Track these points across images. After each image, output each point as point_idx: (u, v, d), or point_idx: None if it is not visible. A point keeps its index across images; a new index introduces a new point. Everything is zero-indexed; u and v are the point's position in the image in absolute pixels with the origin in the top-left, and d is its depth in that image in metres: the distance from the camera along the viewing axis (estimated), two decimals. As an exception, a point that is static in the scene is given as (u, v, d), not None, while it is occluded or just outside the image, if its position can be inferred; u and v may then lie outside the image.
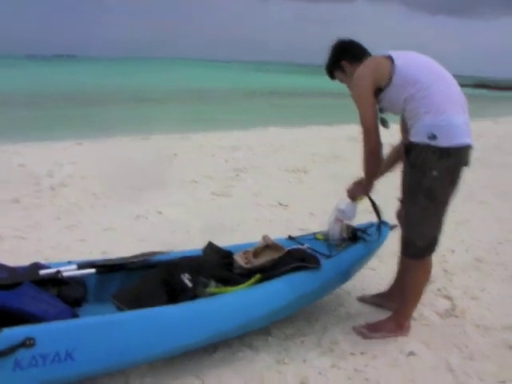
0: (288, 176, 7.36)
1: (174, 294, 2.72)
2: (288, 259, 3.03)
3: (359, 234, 3.46)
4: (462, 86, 2.99)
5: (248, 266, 3.02)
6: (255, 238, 4.56)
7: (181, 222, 5.08)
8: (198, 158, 8.37)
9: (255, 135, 11.13)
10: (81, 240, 4.43)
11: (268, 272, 2.92)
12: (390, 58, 2.89)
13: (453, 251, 4.48)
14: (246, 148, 9.21)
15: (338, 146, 9.93)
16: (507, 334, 3.16)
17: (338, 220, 3.41)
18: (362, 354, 2.90)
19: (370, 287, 3.73)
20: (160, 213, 5.29)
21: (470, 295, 3.68)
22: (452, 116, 2.75)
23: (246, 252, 3.16)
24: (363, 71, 2.94)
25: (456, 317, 3.37)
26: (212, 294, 2.69)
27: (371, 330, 3.08)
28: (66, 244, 4.30)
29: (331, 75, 3.24)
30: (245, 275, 2.95)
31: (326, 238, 3.48)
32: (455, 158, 2.77)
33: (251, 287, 2.79)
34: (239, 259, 3.08)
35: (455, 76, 2.95)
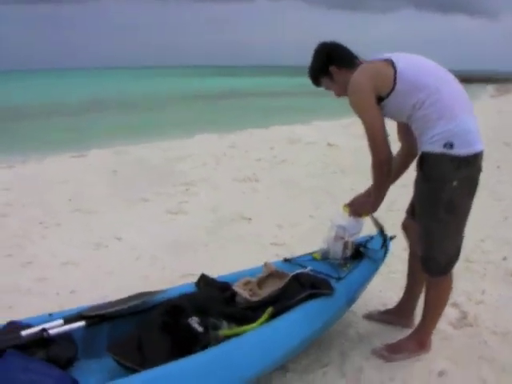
0: (240, 186, 7.06)
1: (181, 340, 2.38)
2: (296, 286, 2.76)
3: (362, 250, 3.21)
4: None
5: (255, 298, 2.72)
6: (231, 258, 4.34)
7: (143, 246, 4.71)
8: (140, 173, 7.92)
9: (197, 143, 10.73)
10: (41, 279, 3.97)
11: (279, 303, 2.63)
12: (390, 62, 2.65)
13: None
14: (190, 159, 8.82)
15: (280, 150, 9.75)
16: None
17: (339, 237, 3.13)
18: (391, 380, 2.69)
19: (372, 303, 3.51)
20: (119, 239, 4.89)
21: (474, 300, 3.55)
22: (465, 120, 2.55)
23: (247, 283, 2.86)
24: (361, 78, 2.68)
25: (471, 326, 3.22)
26: (226, 337, 2.38)
27: (392, 352, 2.86)
28: (27, 286, 3.83)
29: (317, 82, 2.95)
30: (253, 309, 2.66)
31: (324, 258, 3.20)
32: (473, 167, 2.57)
33: (267, 324, 2.49)
34: (242, 291, 2.77)
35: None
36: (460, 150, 2.49)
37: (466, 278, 3.88)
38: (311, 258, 3.26)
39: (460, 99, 2.62)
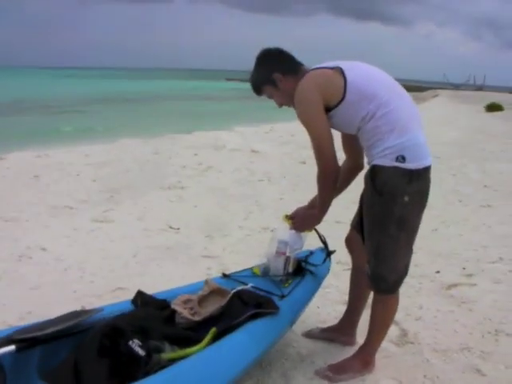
0: (166, 194, 6.93)
1: (122, 365, 2.26)
2: (239, 304, 2.70)
3: (303, 265, 3.17)
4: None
5: (196, 318, 2.63)
6: (162, 270, 4.24)
7: (70, 258, 4.50)
8: (62, 179, 7.64)
9: (120, 148, 10.48)
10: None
11: (222, 323, 2.56)
12: (340, 71, 2.55)
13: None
14: (113, 164, 8.60)
15: (204, 156, 9.67)
16: (466, 356, 3.10)
17: (280, 253, 3.04)
18: (335, 402, 2.66)
19: (310, 320, 3.48)
20: (44, 249, 4.65)
21: (412, 316, 3.58)
22: (416, 134, 2.52)
23: (187, 301, 2.76)
24: (309, 86, 2.57)
25: (412, 343, 3.23)
26: (170, 361, 2.28)
27: (337, 372, 2.82)
28: None
29: (258, 90, 2.82)
30: (195, 329, 2.58)
31: (265, 273, 3.12)
32: (424, 180, 2.54)
33: (211, 345, 2.40)
34: (182, 310, 2.67)
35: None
36: (411, 164, 2.46)
37: (402, 292, 3.86)
38: (251, 273, 3.17)
39: (410, 112, 2.58)
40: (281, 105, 2.83)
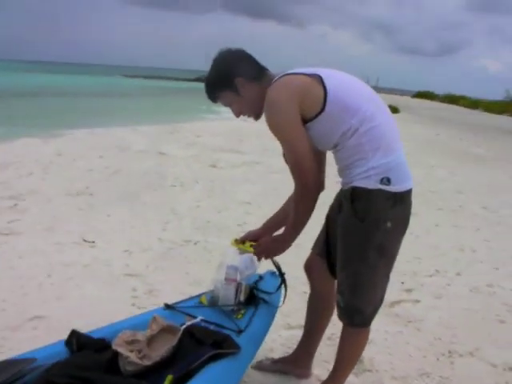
0: (75, 201, 6.42)
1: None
2: (192, 343, 2.41)
3: (255, 293, 2.88)
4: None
5: (146, 362, 2.30)
6: (82, 293, 3.83)
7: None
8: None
9: (20, 149, 9.72)
10: None
11: (177, 368, 2.25)
12: (318, 79, 2.25)
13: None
14: (14, 167, 7.91)
15: (110, 159, 9.16)
16: (426, 383, 3.05)
17: (230, 280, 2.73)
18: None
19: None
20: None
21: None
22: (400, 153, 2.30)
23: (131, 341, 2.41)
24: (284, 95, 2.24)
25: (369, 371, 3.10)
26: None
27: None
28: None
29: (214, 96, 2.48)
30: (144, 375, 2.25)
31: (213, 303, 2.80)
32: (406, 204, 2.33)
33: (171, 397, 2.09)
34: (128, 354, 2.32)
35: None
36: (396, 186, 2.23)
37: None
38: (197, 302, 2.85)
39: (393, 128, 2.35)
40: (239, 114, 2.50)
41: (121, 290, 3.98)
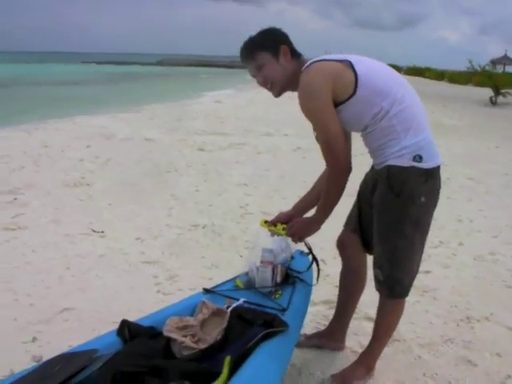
0: (74, 192, 6.42)
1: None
2: (241, 324, 2.49)
3: (289, 273, 2.96)
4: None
5: (202, 346, 2.37)
6: (105, 284, 3.88)
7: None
8: None
9: (4, 141, 9.61)
10: None
11: (232, 348, 2.32)
12: (349, 64, 2.34)
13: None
14: (3, 160, 7.85)
15: (99, 148, 9.14)
16: (451, 348, 3.18)
17: (266, 263, 2.80)
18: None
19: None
20: None
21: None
22: (429, 132, 2.43)
23: (184, 326, 2.48)
24: (319, 78, 2.33)
25: (398, 341, 3.21)
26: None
27: (343, 382, 2.72)
28: None
29: (251, 55, 2.49)
30: (200, 359, 2.32)
31: (249, 285, 2.88)
32: (437, 179, 2.46)
33: (236, 376, 2.14)
34: (183, 338, 2.40)
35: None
36: (427, 163, 2.36)
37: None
38: (233, 285, 2.93)
39: (421, 109, 2.46)
40: (265, 81, 2.52)
41: (142, 277, 4.04)
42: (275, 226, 2.87)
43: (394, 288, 2.56)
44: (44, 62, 79.68)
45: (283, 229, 2.82)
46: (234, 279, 2.98)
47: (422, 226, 2.47)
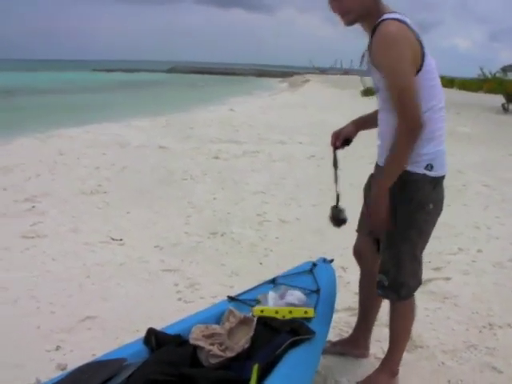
0: (91, 200, 6.44)
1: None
2: (267, 332, 2.49)
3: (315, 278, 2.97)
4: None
5: (230, 354, 2.38)
6: (127, 293, 3.88)
7: (14, 285, 3.99)
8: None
9: (20, 150, 9.67)
10: None
11: (259, 356, 2.33)
12: (420, 44, 2.29)
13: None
14: (19, 169, 7.89)
15: (114, 156, 9.19)
16: (475, 354, 3.19)
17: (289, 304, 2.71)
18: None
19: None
20: None
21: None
22: (444, 144, 2.46)
23: (211, 335, 2.48)
24: (403, 33, 2.24)
25: (421, 347, 3.23)
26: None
27: None
28: None
29: None
30: (227, 367, 2.33)
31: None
32: (442, 187, 2.51)
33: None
34: (210, 347, 2.41)
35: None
36: (436, 172, 2.41)
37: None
38: (256, 297, 2.89)
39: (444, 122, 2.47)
40: (341, 8, 2.40)
41: (162, 285, 4.05)
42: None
43: (400, 291, 2.59)
44: (54, 70, 79.97)
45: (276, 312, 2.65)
46: (257, 288, 2.98)
47: (425, 235, 2.54)
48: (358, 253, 2.94)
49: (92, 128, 12.82)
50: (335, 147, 2.84)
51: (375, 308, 3.02)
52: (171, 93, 34.26)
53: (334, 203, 2.82)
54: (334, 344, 3.14)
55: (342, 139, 2.82)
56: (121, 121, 14.36)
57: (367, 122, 2.85)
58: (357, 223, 2.93)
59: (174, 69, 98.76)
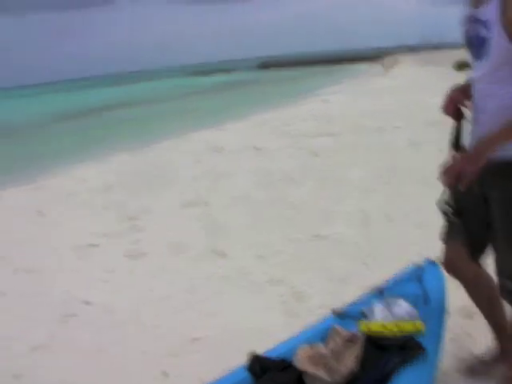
0: (191, 213, 6.28)
1: None
2: (375, 351, 2.26)
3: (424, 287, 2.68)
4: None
5: (338, 378, 2.16)
6: (235, 308, 3.72)
7: (120, 308, 3.95)
8: (70, 211, 7.01)
9: (113, 168, 9.83)
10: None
11: (368, 378, 2.13)
12: None
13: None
14: (117, 186, 8.09)
15: (209, 162, 9.19)
16: None
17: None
18: None
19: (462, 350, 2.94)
20: (88, 303, 4.02)
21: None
22: None
23: (316, 356, 2.27)
24: None
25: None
26: None
27: None
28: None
29: None
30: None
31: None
32: None
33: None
34: (317, 371, 2.19)
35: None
36: None
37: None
38: (360, 310, 2.64)
39: None
40: None
41: (269, 298, 3.84)
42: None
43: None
44: (142, 81, 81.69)
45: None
46: (361, 298, 2.74)
47: None
48: (451, 265, 2.57)
49: (186, 136, 12.93)
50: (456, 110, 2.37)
51: (501, 313, 2.65)
52: (262, 90, 34.24)
53: (442, 195, 2.48)
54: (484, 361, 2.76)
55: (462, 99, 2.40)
56: (214, 126, 14.36)
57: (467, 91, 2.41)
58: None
59: (267, 64, 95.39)
